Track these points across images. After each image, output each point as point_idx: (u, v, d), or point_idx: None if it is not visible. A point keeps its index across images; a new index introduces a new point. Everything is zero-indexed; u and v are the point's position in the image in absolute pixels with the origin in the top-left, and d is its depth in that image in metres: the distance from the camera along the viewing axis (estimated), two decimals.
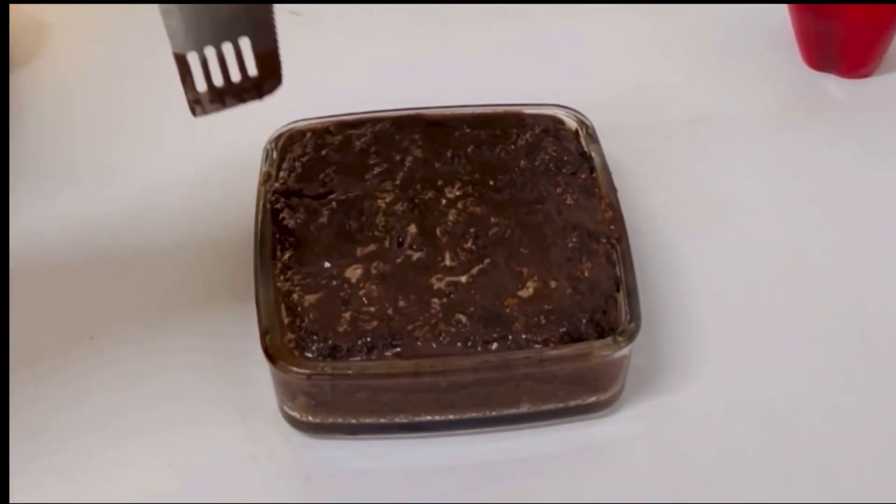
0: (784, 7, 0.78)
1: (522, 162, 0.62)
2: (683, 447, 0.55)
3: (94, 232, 0.66)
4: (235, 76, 0.50)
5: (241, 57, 0.50)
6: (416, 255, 0.56)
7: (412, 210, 0.59)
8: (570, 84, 0.75)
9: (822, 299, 0.62)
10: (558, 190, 0.60)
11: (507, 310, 0.53)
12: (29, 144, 0.72)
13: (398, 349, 0.52)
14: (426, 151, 0.62)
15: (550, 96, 0.67)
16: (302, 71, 0.79)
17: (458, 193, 0.60)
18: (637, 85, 0.77)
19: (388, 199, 0.59)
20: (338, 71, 0.79)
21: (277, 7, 0.85)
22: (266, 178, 0.61)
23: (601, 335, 0.53)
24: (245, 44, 0.50)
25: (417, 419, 0.54)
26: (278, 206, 0.59)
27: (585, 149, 0.63)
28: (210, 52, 0.49)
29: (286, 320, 0.54)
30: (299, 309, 0.54)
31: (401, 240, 0.57)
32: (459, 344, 0.52)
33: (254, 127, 0.64)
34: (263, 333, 0.53)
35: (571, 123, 0.65)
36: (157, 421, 0.55)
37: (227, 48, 0.50)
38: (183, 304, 0.61)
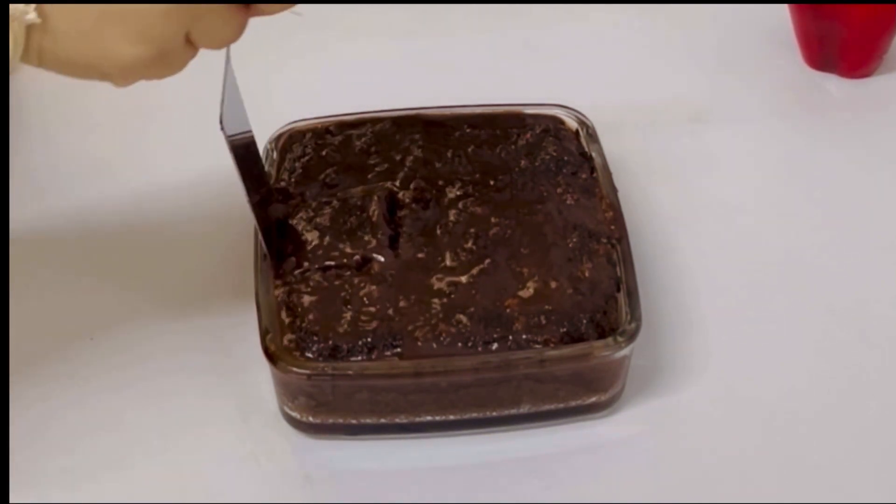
0: (784, 7, 0.78)
1: (523, 162, 0.62)
2: (683, 447, 0.55)
3: (95, 232, 0.65)
4: None
5: None
6: (416, 256, 0.56)
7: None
8: (570, 84, 0.75)
9: (822, 299, 0.62)
10: (559, 190, 0.60)
11: (508, 310, 0.53)
12: (29, 145, 0.72)
13: (398, 349, 0.52)
14: (426, 151, 0.62)
15: (550, 96, 0.67)
16: (302, 71, 0.79)
17: (458, 193, 0.60)
18: (637, 85, 0.77)
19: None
20: (338, 71, 0.79)
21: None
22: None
23: (601, 335, 0.53)
24: None
25: (418, 419, 0.54)
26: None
27: (586, 149, 0.63)
28: None
29: (286, 320, 0.54)
30: (299, 309, 0.54)
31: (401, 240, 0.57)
32: (460, 344, 0.52)
33: (254, 127, 0.64)
34: (264, 334, 0.53)
35: (571, 123, 0.65)
36: (158, 421, 0.55)
37: None
38: (183, 304, 0.61)
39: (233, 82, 0.55)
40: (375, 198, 0.59)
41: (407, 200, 0.59)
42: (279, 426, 0.55)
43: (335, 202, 0.59)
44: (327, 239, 0.57)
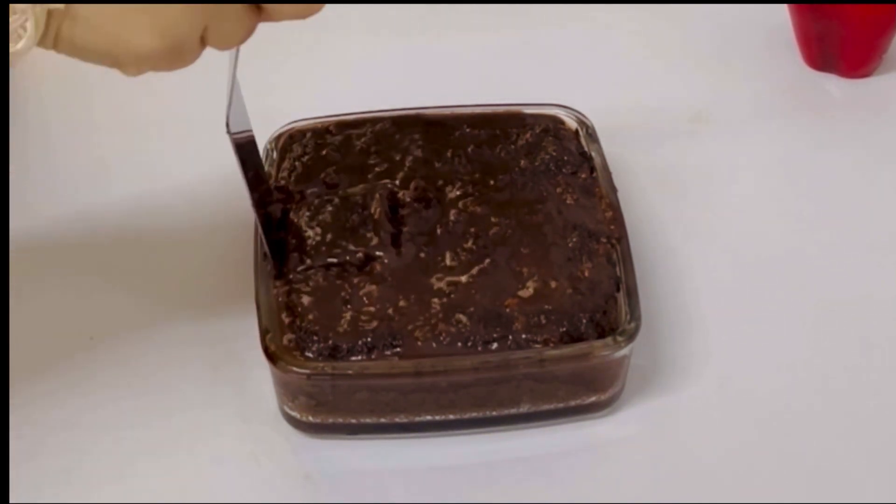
0: (784, 7, 0.78)
1: (522, 162, 0.62)
2: (683, 447, 0.55)
3: (95, 232, 0.66)
4: None
5: None
6: (417, 255, 0.56)
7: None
8: (570, 84, 0.75)
9: (822, 299, 0.62)
10: (558, 190, 0.60)
11: (508, 310, 0.53)
12: (29, 145, 0.72)
13: (398, 349, 0.52)
14: (426, 151, 0.62)
15: (550, 96, 0.67)
16: (302, 71, 0.79)
17: (458, 193, 0.60)
18: (637, 85, 0.77)
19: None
20: (338, 71, 0.79)
21: None
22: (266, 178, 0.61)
23: (601, 335, 0.53)
24: None
25: (417, 419, 0.54)
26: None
27: (585, 149, 0.63)
28: None
29: (286, 320, 0.54)
30: (299, 309, 0.54)
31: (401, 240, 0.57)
32: (459, 344, 0.52)
33: (254, 127, 0.64)
34: (263, 333, 0.53)
35: (571, 123, 0.65)
36: (157, 421, 0.55)
37: None
38: (183, 304, 0.61)
39: (237, 83, 0.56)
40: (377, 196, 0.59)
41: (408, 200, 0.59)
42: (279, 426, 0.55)
43: (336, 200, 0.59)
44: (329, 236, 0.57)
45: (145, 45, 0.45)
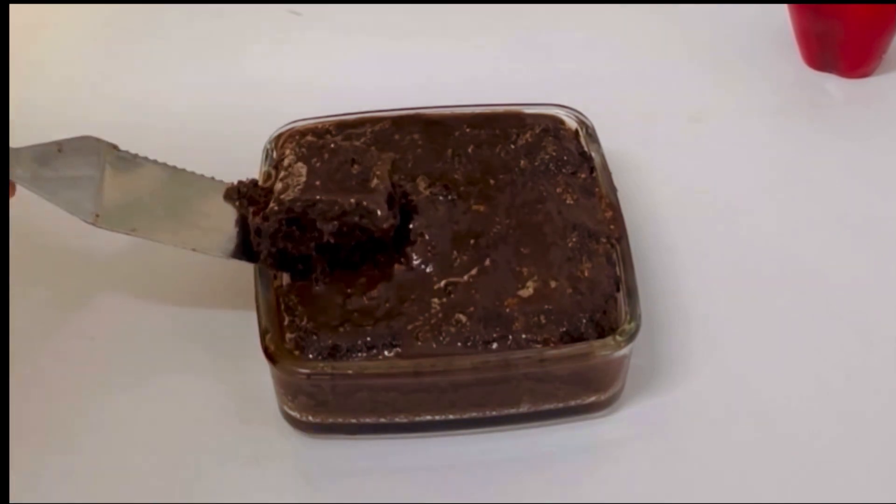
0: (784, 7, 0.78)
1: (522, 162, 0.62)
2: (683, 447, 0.55)
3: (95, 231, 0.65)
4: None
5: None
6: (416, 255, 0.56)
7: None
8: (570, 84, 0.75)
9: (822, 299, 0.62)
10: (558, 190, 0.60)
11: (508, 309, 0.53)
12: (29, 143, 0.72)
13: (398, 349, 0.52)
14: (426, 151, 0.62)
15: (550, 96, 0.67)
16: (302, 71, 0.79)
17: (458, 193, 0.59)
18: (637, 85, 0.77)
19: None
20: (338, 71, 0.79)
21: (277, 7, 0.85)
22: (266, 178, 0.61)
23: (601, 335, 0.53)
24: None
25: (417, 419, 0.54)
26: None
27: (585, 149, 0.63)
28: None
29: (286, 320, 0.54)
30: (299, 308, 0.54)
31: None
32: (459, 344, 0.52)
33: (254, 127, 0.64)
34: (263, 333, 0.53)
35: (571, 123, 0.65)
36: (158, 421, 0.55)
37: None
38: (183, 304, 0.61)
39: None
40: (380, 158, 0.58)
41: (411, 198, 0.59)
42: (279, 426, 0.55)
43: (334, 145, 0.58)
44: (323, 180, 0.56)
45: None
